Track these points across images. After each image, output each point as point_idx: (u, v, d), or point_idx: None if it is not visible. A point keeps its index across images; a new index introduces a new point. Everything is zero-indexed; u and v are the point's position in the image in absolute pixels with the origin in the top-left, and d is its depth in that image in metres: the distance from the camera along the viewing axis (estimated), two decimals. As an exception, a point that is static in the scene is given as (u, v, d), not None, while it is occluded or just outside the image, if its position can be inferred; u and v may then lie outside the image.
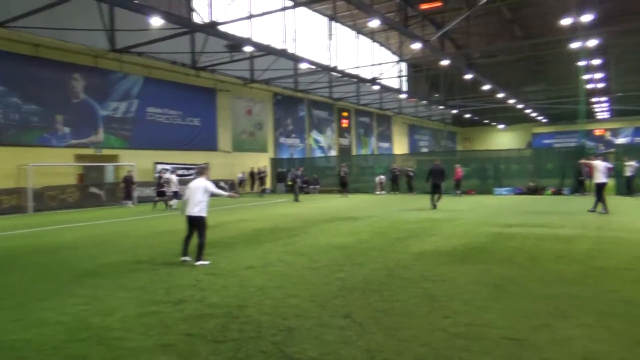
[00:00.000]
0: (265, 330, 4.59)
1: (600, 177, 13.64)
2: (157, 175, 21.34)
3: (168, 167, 24.20)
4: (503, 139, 63.06)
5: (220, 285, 6.32)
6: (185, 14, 23.77)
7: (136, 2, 17.94)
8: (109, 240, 10.68)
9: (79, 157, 21.39)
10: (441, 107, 52.25)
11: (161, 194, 19.26)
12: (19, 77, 19.10)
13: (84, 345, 4.34)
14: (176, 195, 18.56)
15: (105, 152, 22.45)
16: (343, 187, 25.42)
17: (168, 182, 19.09)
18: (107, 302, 5.66)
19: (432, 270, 6.89)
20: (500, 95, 42.86)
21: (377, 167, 26.84)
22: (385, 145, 50.09)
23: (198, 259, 7.66)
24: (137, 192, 22.10)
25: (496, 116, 59.28)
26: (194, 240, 7.77)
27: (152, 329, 4.71)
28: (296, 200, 21.88)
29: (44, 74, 19.87)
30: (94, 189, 21.26)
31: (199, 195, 7.68)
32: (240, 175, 28.49)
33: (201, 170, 8.23)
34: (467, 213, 14.71)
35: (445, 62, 30.95)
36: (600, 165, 13.71)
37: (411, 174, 25.97)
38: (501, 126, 64.33)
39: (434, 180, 16.20)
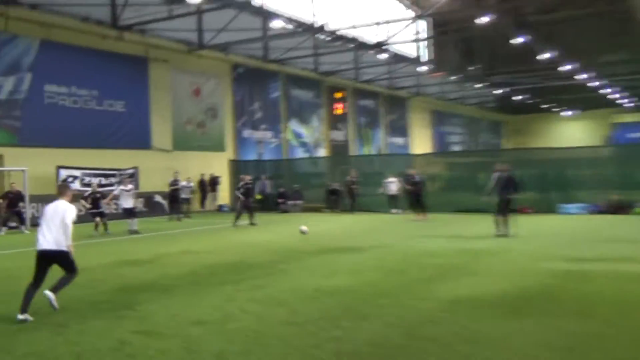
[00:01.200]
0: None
1: None
2: (89, 191, 21.11)
3: (77, 173, 24.05)
4: (570, 132, 63.83)
5: (155, 350, 6.28)
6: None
7: None
8: None
9: None
10: (479, 85, 52.88)
11: (98, 213, 19.83)
12: None
13: None
14: (132, 212, 19.86)
15: None
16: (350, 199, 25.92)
17: (116, 197, 20.29)
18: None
19: (472, 327, 6.83)
20: (566, 67, 43.43)
21: (388, 173, 26.84)
22: (399, 140, 50.45)
23: (55, 290, 7.97)
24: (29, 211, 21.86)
25: (560, 99, 60.12)
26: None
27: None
28: (252, 222, 21.64)
29: None
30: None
31: (57, 223, 8.04)
32: (182, 182, 26.22)
33: (62, 190, 8.72)
34: (520, 241, 14.66)
35: (484, 20, 31.29)
36: None
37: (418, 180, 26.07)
38: (567, 113, 65.27)
39: (501, 194, 15.98)
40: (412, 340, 6.38)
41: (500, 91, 55.64)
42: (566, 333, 6.58)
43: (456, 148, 58.25)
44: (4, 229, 20.36)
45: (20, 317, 7.64)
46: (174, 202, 25.21)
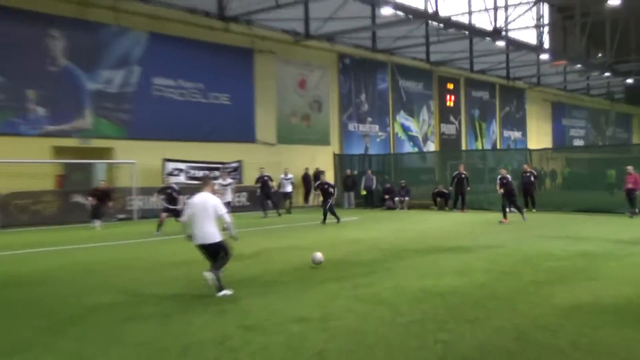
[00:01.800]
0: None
1: None
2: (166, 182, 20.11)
3: (182, 166, 25.03)
4: None
5: (258, 345, 6.37)
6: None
7: None
8: (98, 273, 10.95)
9: (59, 151, 22.56)
10: (607, 74, 50.28)
11: (171, 210, 18.19)
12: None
13: None
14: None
15: (95, 143, 23.53)
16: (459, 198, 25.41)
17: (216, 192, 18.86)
18: (96, 364, 5.81)
19: (591, 335, 6.55)
20: None
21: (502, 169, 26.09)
22: (515, 134, 49.10)
23: (219, 289, 8.65)
24: (131, 205, 23.02)
25: (699, 88, 56.34)
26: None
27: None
28: (323, 221, 21.02)
29: (9, 30, 21.17)
30: (78, 198, 22.18)
31: (209, 216, 8.94)
32: (284, 176, 26.93)
33: (205, 182, 9.71)
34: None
35: (614, 2, 29.82)
36: None
37: (532, 179, 25.16)
38: None
39: None
40: (524, 348, 6.18)
41: (630, 80, 52.72)
42: (697, 345, 6.24)
43: (578, 143, 55.91)
44: (98, 222, 20.06)
45: (226, 292, 8.65)
46: (266, 198, 24.40)
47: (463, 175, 26.08)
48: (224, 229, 9.29)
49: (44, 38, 22.28)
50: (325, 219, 21.09)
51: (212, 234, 8.86)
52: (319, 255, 11.03)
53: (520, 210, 21.39)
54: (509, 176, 21.56)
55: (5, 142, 21.01)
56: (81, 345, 6.49)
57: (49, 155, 22.34)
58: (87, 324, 7.42)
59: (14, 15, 21.38)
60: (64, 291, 9.45)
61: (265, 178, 19.14)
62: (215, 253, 8.90)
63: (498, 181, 22.49)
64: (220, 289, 8.65)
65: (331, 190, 21.73)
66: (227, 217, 9.06)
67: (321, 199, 22.01)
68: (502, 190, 21.30)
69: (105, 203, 20.28)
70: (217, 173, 23.57)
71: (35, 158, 21.54)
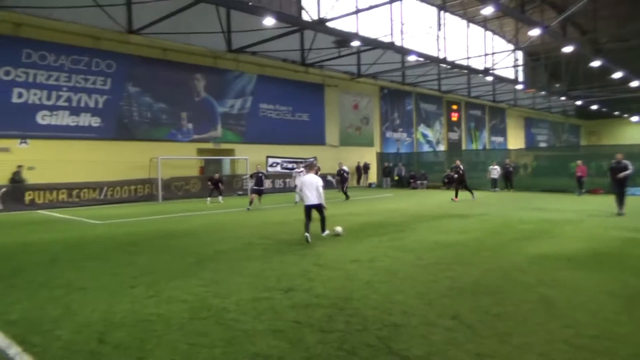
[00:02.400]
0: (371, 325, 4.59)
1: None
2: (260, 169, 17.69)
3: (278, 160, 25.28)
4: (636, 133, 55.93)
5: (327, 276, 6.37)
6: (295, 13, 24.57)
7: (250, 4, 18.93)
8: (226, 229, 11.12)
9: (201, 151, 23.16)
10: (563, 98, 47.74)
11: (257, 191, 16.81)
12: (150, 79, 21.15)
13: (205, 324, 4.70)
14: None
15: (223, 146, 24.01)
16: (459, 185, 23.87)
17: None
18: (224, 286, 5.98)
19: (552, 275, 6.33)
20: (635, 84, 38.04)
21: (489, 163, 25.23)
22: (499, 139, 47.19)
23: (323, 230, 9.53)
24: (246, 186, 23.08)
25: (629, 107, 52.76)
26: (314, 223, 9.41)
27: (264, 314, 4.95)
28: (346, 197, 19.54)
29: (170, 75, 21.83)
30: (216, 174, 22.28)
31: (314, 188, 9.34)
32: (344, 167, 22.94)
33: (310, 167, 10.37)
34: (593, 215, 13.27)
35: (568, 49, 28.23)
36: None
37: (510, 169, 24.13)
38: (635, 118, 57.18)
39: (614, 180, 13.16)
40: (506, 282, 6.04)
41: (579, 102, 49.90)
42: (628, 285, 5.88)
43: (543, 144, 53.41)
44: (209, 199, 19.04)
45: (307, 234, 9.02)
46: (341, 182, 21.97)
47: (461, 168, 24.59)
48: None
49: (192, 80, 22.77)
50: (347, 196, 19.65)
51: (316, 199, 9.30)
52: (338, 228, 9.80)
53: (471, 192, 19.33)
54: (462, 166, 19.68)
55: (168, 146, 21.68)
56: (215, 274, 6.67)
57: (195, 154, 22.89)
58: (218, 261, 7.57)
59: (176, 66, 22.00)
60: (204, 240, 9.66)
61: (260, 174, 16.37)
62: (319, 210, 9.41)
63: (451, 171, 20.79)
64: (326, 232, 9.58)
65: (346, 175, 20.82)
66: (322, 191, 9.41)
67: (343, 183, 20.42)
68: (456, 176, 19.46)
69: (217, 187, 19.25)
70: (310, 160, 23.77)
71: (186, 155, 22.18)
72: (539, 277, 6.26)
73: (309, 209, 9.33)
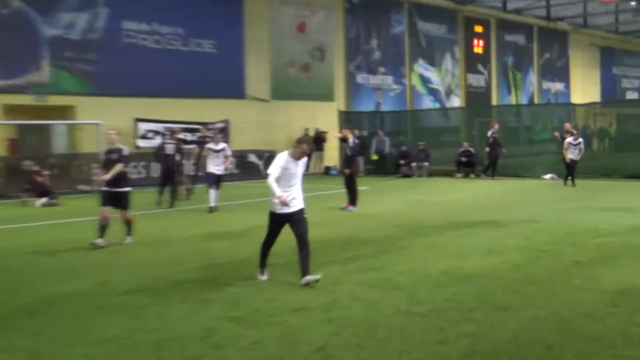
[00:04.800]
0: None
1: None
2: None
3: (158, 127, 17.60)
4: None
5: (247, 340, 4.29)
6: None
7: None
8: (64, 257, 7.54)
9: (10, 110, 15.31)
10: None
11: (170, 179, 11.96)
12: None
13: None
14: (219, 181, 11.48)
15: (53, 100, 15.78)
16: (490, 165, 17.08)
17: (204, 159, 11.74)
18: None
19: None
20: None
21: (539, 129, 18.55)
22: (556, 86, 33.65)
23: (305, 274, 5.87)
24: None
25: None
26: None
27: None
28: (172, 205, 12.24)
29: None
30: (33, 166, 13.98)
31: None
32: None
33: (301, 141, 6.01)
34: None
35: None
36: None
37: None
38: None
39: None
40: (566, 340, 4.01)
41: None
42: None
43: (632, 96, 38.04)
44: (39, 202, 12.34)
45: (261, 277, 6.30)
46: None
47: (496, 135, 17.03)
48: None
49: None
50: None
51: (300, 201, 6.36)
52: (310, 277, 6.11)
53: (491, 173, 16.16)
54: (496, 134, 15.99)
55: None
56: (39, 342, 4.31)
57: None
58: (43, 315, 5.13)
59: None
60: (17, 278, 6.79)
61: (117, 154, 10.33)
62: (298, 225, 6.19)
63: (488, 141, 16.20)
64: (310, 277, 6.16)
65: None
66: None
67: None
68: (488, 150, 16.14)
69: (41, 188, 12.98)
70: (218, 125, 16.26)
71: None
72: (623, 328, 4.24)
73: (281, 220, 5.96)
